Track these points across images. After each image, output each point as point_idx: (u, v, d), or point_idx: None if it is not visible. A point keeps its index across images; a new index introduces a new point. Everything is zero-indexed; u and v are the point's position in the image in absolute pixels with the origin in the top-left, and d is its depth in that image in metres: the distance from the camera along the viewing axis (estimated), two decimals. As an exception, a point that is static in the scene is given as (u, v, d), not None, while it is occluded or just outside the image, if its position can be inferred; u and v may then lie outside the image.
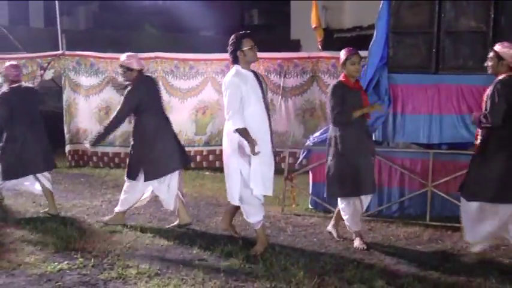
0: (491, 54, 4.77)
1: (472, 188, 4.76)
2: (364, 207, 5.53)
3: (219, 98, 9.32)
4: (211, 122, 9.69)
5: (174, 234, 5.60)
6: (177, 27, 20.80)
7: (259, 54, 9.89)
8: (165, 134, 5.75)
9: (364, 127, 5.34)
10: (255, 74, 5.09)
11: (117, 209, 5.92)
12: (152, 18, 23.17)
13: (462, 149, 6.19)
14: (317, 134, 6.95)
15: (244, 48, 4.93)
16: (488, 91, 4.71)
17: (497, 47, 4.72)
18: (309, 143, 6.88)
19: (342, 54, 5.31)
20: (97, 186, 8.06)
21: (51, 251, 5.01)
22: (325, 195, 5.57)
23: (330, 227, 5.66)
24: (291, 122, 9.45)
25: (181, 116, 9.44)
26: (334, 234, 5.56)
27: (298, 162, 7.25)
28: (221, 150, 5.48)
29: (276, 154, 5.13)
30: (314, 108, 9.40)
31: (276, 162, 5.11)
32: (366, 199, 5.45)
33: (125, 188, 5.87)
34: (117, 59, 10.08)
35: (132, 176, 5.75)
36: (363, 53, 7.64)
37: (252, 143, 4.79)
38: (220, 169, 7.81)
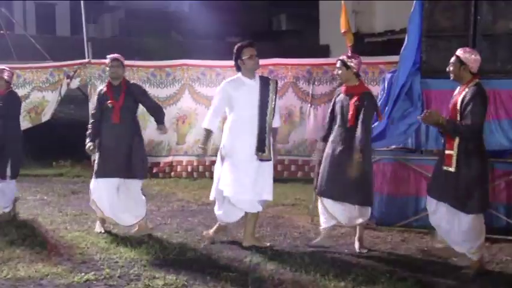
0: (453, 59, 4.86)
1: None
2: (335, 216, 5.46)
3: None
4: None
5: (201, 244, 5.64)
6: (203, 33, 20.99)
7: (287, 61, 9.96)
8: None
9: (342, 136, 5.35)
10: (264, 81, 5.50)
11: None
12: (178, 25, 23.43)
13: (499, 157, 6.09)
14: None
15: (244, 58, 5.40)
16: (461, 97, 4.74)
17: (459, 52, 4.83)
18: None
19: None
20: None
21: (77, 261, 5.09)
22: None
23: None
24: (320, 130, 9.43)
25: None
26: (357, 248, 5.50)
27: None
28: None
29: (267, 160, 5.42)
30: (344, 116, 9.37)
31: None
32: (333, 207, 5.42)
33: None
34: (144, 67, 10.29)
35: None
36: (394, 58, 7.70)
37: (203, 144, 5.58)
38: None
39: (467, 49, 4.92)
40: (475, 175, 4.70)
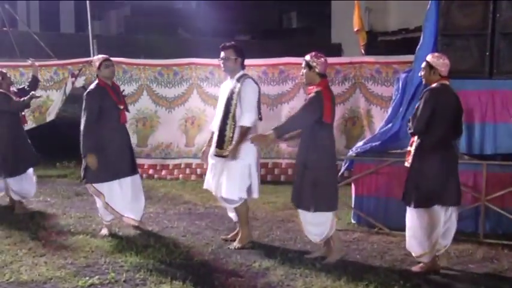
0: (423, 64, 5.16)
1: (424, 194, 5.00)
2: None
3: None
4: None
5: (209, 248, 5.65)
6: (212, 31, 21.03)
7: (298, 60, 9.98)
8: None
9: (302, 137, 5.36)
10: (238, 80, 5.67)
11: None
12: (185, 22, 23.47)
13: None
14: (360, 143, 6.92)
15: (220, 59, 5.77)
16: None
17: (429, 57, 5.13)
18: (351, 153, 6.85)
19: None
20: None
21: (82, 264, 5.12)
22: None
23: None
24: (331, 132, 9.42)
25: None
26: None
27: (339, 173, 7.22)
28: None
29: (221, 156, 5.61)
30: (357, 117, 9.32)
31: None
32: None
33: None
34: (151, 65, 10.30)
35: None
36: (409, 57, 7.68)
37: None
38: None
39: (436, 54, 5.21)
40: (424, 170, 4.98)
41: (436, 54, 5.23)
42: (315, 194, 5.18)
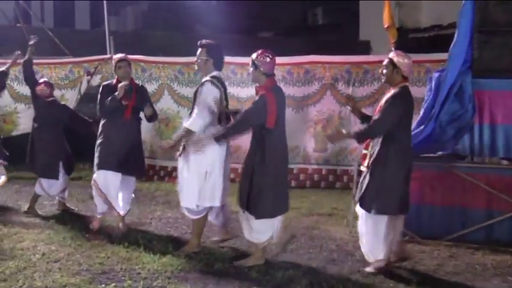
0: (385, 62, 5.25)
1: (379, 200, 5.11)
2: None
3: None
4: None
5: (229, 256, 5.67)
6: (232, 28, 21.07)
7: (324, 58, 9.89)
8: None
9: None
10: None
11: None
12: (204, 18, 23.53)
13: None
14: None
15: None
16: (385, 98, 5.23)
17: (393, 55, 5.24)
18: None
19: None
20: (146, 202, 8.23)
21: (97, 271, 5.17)
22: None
23: None
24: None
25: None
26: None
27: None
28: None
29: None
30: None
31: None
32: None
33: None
34: (170, 63, 10.35)
35: None
36: (442, 56, 7.63)
37: None
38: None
39: (401, 53, 5.31)
40: (385, 175, 5.10)
41: (400, 53, 5.32)
42: (260, 200, 5.27)
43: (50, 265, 5.30)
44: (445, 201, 6.35)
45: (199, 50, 5.77)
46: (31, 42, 7.60)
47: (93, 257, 5.56)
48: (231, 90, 9.73)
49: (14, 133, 10.59)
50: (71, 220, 7.05)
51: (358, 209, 5.35)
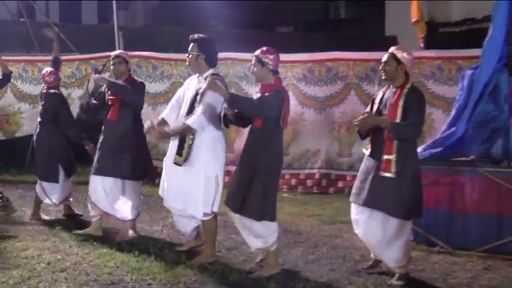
0: (386, 57, 5.20)
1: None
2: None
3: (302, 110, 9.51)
4: (294, 140, 9.76)
5: (246, 266, 5.67)
6: (249, 23, 21.08)
7: (347, 54, 9.89)
8: None
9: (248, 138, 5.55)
10: (205, 78, 5.61)
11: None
12: (219, 12, 23.58)
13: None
14: (419, 149, 6.83)
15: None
16: (402, 101, 5.10)
17: (395, 51, 5.19)
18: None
19: None
20: (157, 209, 8.25)
21: (106, 281, 5.19)
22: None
23: None
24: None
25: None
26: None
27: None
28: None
29: (178, 164, 5.64)
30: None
31: None
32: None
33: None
34: (183, 60, 10.41)
35: None
36: (476, 52, 7.58)
37: None
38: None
39: (402, 47, 5.32)
40: (414, 181, 5.16)
41: (402, 47, 5.34)
42: (264, 202, 5.29)
43: (55, 275, 5.33)
44: (479, 209, 6.30)
45: (191, 44, 5.70)
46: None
47: (101, 266, 5.59)
48: (249, 89, 9.73)
49: (18, 134, 10.71)
50: (77, 227, 7.08)
51: (366, 215, 5.30)
